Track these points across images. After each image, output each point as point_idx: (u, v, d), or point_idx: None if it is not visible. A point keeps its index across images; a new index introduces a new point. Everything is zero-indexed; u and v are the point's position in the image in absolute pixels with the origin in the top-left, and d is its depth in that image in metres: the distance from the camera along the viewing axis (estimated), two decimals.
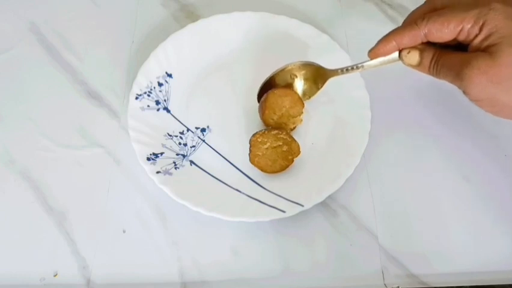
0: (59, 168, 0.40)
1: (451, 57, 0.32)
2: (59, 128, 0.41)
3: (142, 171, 0.37)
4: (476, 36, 0.31)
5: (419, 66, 0.34)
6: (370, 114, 0.39)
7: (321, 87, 0.40)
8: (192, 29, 0.43)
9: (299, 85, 0.41)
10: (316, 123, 0.41)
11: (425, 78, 0.40)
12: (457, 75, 0.31)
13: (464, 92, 0.31)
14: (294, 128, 0.40)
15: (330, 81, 0.39)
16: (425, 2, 0.35)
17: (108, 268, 0.36)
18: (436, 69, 0.33)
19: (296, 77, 0.40)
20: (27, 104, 0.43)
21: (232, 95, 0.42)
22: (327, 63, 0.39)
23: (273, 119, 0.39)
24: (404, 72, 0.38)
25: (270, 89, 0.40)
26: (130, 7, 0.48)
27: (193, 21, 0.44)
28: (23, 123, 0.42)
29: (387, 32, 0.46)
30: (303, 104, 0.40)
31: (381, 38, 0.35)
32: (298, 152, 0.38)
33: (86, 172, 0.39)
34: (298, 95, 0.40)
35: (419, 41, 0.34)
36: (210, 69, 0.44)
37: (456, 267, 0.36)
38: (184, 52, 0.43)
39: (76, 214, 0.38)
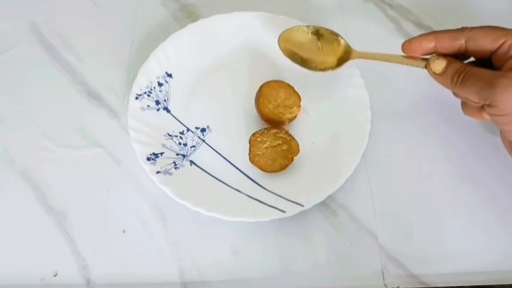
0: (59, 168, 0.40)
1: (480, 70, 0.32)
2: (59, 128, 0.41)
3: (142, 171, 0.37)
4: None
5: (442, 75, 0.34)
6: (370, 114, 0.39)
7: (342, 65, 0.39)
8: (192, 29, 0.43)
9: (319, 55, 0.40)
10: (315, 123, 0.41)
11: (425, 79, 0.40)
12: (488, 84, 0.31)
13: (490, 104, 0.31)
14: (294, 118, 0.40)
15: (333, 76, 0.39)
16: None
17: (108, 268, 0.36)
18: (463, 78, 0.32)
19: (321, 48, 0.40)
20: (27, 104, 0.43)
21: (232, 95, 0.42)
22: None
23: (268, 108, 0.39)
24: (404, 72, 0.39)
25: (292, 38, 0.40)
26: (130, 7, 0.48)
27: (193, 21, 0.44)
28: (23, 123, 0.42)
29: (386, 31, 0.46)
30: (300, 96, 0.40)
31: (421, 34, 0.35)
32: (298, 151, 0.38)
33: (86, 172, 0.39)
34: (293, 88, 0.40)
35: (458, 46, 0.34)
36: (210, 69, 0.44)
37: (456, 267, 0.36)
38: (184, 52, 0.43)
39: (76, 214, 0.38)
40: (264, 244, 0.37)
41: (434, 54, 0.35)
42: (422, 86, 0.43)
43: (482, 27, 0.33)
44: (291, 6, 0.47)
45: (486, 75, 0.31)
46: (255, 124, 0.40)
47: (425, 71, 0.35)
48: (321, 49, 0.40)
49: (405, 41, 0.36)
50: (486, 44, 0.33)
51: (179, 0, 0.48)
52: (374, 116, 0.39)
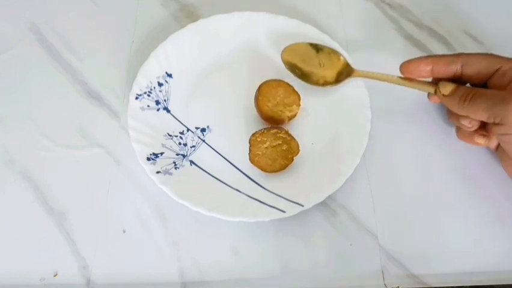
0: (59, 168, 0.40)
1: (488, 90, 0.33)
2: (59, 128, 0.41)
3: (142, 171, 0.37)
4: None
5: (451, 96, 0.35)
6: (370, 114, 0.39)
7: (342, 81, 0.40)
8: (192, 29, 0.43)
9: (319, 70, 0.41)
10: (315, 122, 0.41)
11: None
12: (501, 101, 0.31)
13: (500, 122, 0.31)
14: (294, 116, 0.40)
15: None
16: None
17: (108, 268, 0.36)
18: (472, 97, 0.33)
19: (323, 65, 0.41)
20: (27, 104, 0.43)
21: (232, 95, 0.42)
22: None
23: (267, 106, 0.39)
24: None
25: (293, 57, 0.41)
26: (130, 7, 0.48)
27: (193, 21, 0.44)
28: (23, 123, 0.42)
29: (386, 31, 0.46)
30: (299, 95, 0.40)
31: (419, 57, 0.36)
32: (298, 151, 0.38)
33: (86, 172, 0.39)
34: (292, 87, 0.40)
35: (454, 71, 0.35)
36: (210, 69, 0.44)
37: (456, 267, 0.36)
38: (184, 52, 0.43)
39: (76, 214, 0.38)
40: (264, 244, 0.37)
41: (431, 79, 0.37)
42: None
43: (478, 54, 0.35)
44: (291, 6, 0.47)
45: (496, 93, 0.32)
46: (255, 124, 0.40)
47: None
48: (322, 65, 0.41)
49: (404, 63, 0.37)
50: (481, 69, 0.34)
51: (179, 0, 0.48)
52: (374, 116, 0.39)
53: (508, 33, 0.46)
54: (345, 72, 0.40)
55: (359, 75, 0.40)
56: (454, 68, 0.35)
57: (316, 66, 0.41)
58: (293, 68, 0.41)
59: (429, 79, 0.38)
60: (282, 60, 0.41)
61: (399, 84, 0.38)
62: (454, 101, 0.34)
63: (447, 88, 0.35)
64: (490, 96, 0.32)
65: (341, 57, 0.41)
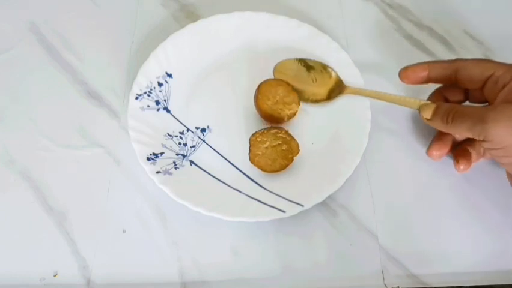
0: (59, 168, 0.40)
1: (468, 107, 0.33)
2: (59, 128, 0.41)
3: (142, 171, 0.37)
4: (505, 85, 0.32)
5: (433, 118, 0.35)
6: (370, 114, 0.39)
7: (334, 98, 0.41)
8: (192, 29, 0.43)
9: (312, 87, 0.41)
10: (315, 123, 0.41)
11: None
12: (479, 120, 0.31)
13: (484, 140, 0.32)
14: (293, 115, 0.40)
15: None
16: None
17: (108, 268, 0.36)
18: (453, 117, 0.33)
19: (315, 80, 0.41)
20: (27, 104, 0.43)
21: (232, 95, 0.42)
22: (327, 64, 0.39)
23: (267, 104, 0.39)
24: None
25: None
26: (130, 7, 0.48)
27: (193, 21, 0.44)
28: (23, 123, 0.42)
29: (386, 31, 0.46)
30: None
31: (416, 63, 0.37)
32: (298, 151, 0.38)
33: (86, 172, 0.39)
34: (292, 86, 0.40)
35: (449, 75, 0.36)
36: (210, 69, 0.44)
37: (456, 267, 0.36)
38: (184, 52, 0.43)
39: (76, 214, 0.38)
40: (264, 244, 0.37)
41: (424, 100, 0.37)
42: (422, 87, 0.43)
43: (473, 59, 0.35)
44: (291, 6, 0.47)
45: (475, 111, 0.32)
46: (255, 124, 0.40)
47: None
48: (315, 81, 0.41)
49: (402, 69, 0.38)
50: (475, 74, 0.34)
51: (179, 0, 0.48)
52: (374, 116, 0.39)
53: (507, 33, 0.46)
54: (337, 90, 0.41)
55: (351, 91, 0.40)
56: (449, 73, 0.36)
57: (308, 83, 0.41)
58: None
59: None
60: (274, 77, 0.41)
61: (389, 101, 0.38)
62: (437, 122, 0.35)
63: (428, 111, 0.36)
64: (469, 115, 0.32)
65: (333, 74, 0.41)
